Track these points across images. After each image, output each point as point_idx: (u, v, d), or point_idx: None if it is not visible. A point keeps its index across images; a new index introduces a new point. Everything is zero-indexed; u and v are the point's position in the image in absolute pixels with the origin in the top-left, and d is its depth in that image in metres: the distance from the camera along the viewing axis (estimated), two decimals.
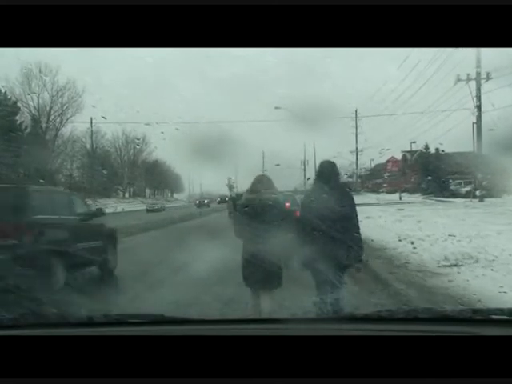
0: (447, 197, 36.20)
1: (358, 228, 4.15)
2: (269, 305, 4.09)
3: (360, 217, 4.23)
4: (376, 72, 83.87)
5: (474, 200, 27.64)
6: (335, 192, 4.08)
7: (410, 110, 56.96)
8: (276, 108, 30.94)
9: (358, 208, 4.18)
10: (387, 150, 44.29)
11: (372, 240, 10.33)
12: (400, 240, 10.03)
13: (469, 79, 28.00)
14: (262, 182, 4.46)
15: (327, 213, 3.91)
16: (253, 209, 4.29)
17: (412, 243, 9.33)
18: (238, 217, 4.48)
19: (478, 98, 27.72)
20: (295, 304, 3.97)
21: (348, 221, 4.06)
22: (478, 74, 27.76)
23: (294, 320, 1.88)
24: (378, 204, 28.41)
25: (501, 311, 1.71)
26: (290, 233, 4.22)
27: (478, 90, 27.63)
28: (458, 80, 28.23)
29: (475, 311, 1.77)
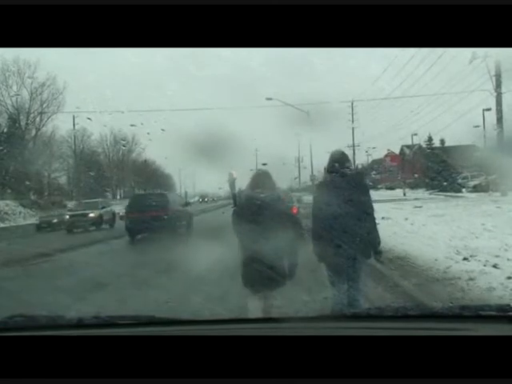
0: (456, 191, 33.45)
1: (374, 220, 4.00)
2: (261, 305, 3.85)
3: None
4: (374, 67, 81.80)
5: (493, 194, 24.41)
6: (351, 183, 3.95)
7: (412, 101, 54.22)
8: (267, 99, 30.92)
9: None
10: (373, 148, 42.80)
11: (414, 258, 6.66)
12: (466, 258, 6.33)
13: (486, 56, 24.58)
14: (260, 180, 4.11)
15: (344, 206, 3.80)
16: (251, 210, 3.95)
17: (495, 266, 5.69)
18: (237, 219, 4.11)
19: (498, 76, 24.33)
20: (287, 303, 3.80)
21: (365, 214, 3.93)
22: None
23: (284, 319, 1.87)
24: (383, 201, 24.98)
25: (489, 307, 1.72)
26: (295, 233, 3.93)
27: (498, 68, 24.24)
28: (474, 58, 24.87)
29: (464, 307, 1.76)
